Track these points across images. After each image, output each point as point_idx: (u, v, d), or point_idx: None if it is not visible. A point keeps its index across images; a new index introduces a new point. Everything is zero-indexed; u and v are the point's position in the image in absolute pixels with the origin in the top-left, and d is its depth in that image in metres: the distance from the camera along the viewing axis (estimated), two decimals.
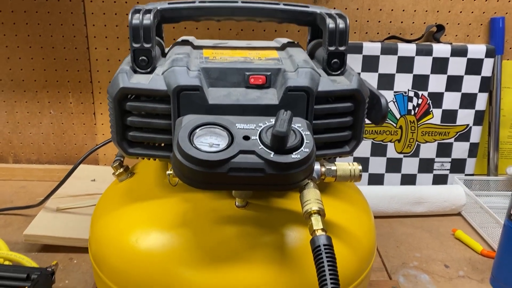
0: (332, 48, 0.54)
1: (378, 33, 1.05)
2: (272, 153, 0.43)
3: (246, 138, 0.45)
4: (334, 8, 1.01)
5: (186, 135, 0.44)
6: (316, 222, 0.43)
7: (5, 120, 1.11)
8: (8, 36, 1.04)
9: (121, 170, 0.60)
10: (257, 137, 0.45)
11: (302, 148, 0.44)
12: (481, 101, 1.05)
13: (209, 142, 0.44)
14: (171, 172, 0.48)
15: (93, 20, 1.03)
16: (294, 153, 0.44)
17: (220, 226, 0.50)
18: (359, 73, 1.02)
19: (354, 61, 1.00)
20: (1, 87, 1.08)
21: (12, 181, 1.12)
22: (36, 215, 0.88)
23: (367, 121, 0.56)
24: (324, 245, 0.41)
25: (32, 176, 1.13)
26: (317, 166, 0.49)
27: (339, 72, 0.55)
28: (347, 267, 0.51)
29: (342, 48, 0.54)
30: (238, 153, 0.43)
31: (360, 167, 0.49)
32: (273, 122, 0.44)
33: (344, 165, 0.49)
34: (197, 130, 0.45)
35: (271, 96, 0.50)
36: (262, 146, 0.44)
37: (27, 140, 1.13)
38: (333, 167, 0.49)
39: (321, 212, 0.44)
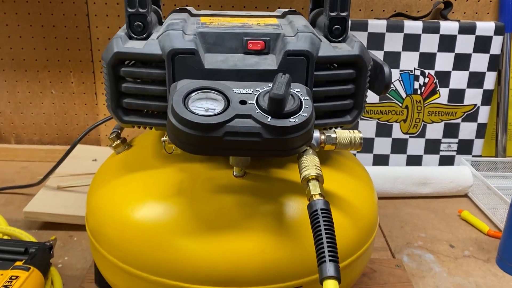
0: (333, 14, 0.52)
1: (383, 10, 1.03)
2: (269, 117, 0.42)
3: (243, 102, 0.43)
4: None
5: (181, 99, 0.43)
6: (314, 188, 0.42)
7: (7, 100, 1.11)
8: (8, 14, 1.03)
9: (118, 141, 0.59)
10: (254, 102, 0.43)
11: (300, 112, 0.43)
12: (490, 80, 1.03)
13: (205, 107, 0.43)
14: (166, 138, 0.47)
15: None
16: (292, 118, 0.42)
17: (217, 195, 0.49)
18: None
19: (359, 39, 0.98)
20: (2, 66, 1.07)
21: (14, 161, 1.12)
22: (36, 194, 0.88)
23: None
24: (321, 209, 0.39)
25: (34, 157, 1.13)
26: (316, 134, 0.47)
27: (341, 38, 0.53)
28: (347, 238, 0.49)
29: (344, 14, 0.52)
30: (234, 117, 0.42)
31: (361, 135, 0.48)
32: (271, 86, 0.42)
33: (344, 132, 0.48)
34: (192, 94, 0.44)
35: (269, 62, 0.48)
36: (259, 110, 0.42)
37: (29, 121, 1.13)
38: (333, 135, 0.48)
39: (319, 178, 0.43)
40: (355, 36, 0.53)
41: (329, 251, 0.37)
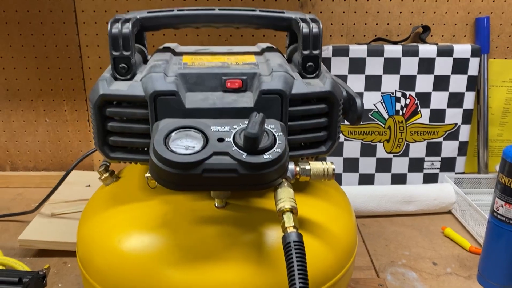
0: (306, 52, 0.55)
1: (364, 35, 1.07)
2: (245, 154, 0.45)
3: (221, 140, 0.46)
4: (321, 12, 1.03)
5: (162, 139, 0.46)
6: (288, 220, 0.45)
7: (2, 129, 1.14)
8: (2, 46, 1.07)
9: (107, 174, 0.62)
10: (231, 139, 0.46)
11: (274, 148, 0.46)
12: (469, 100, 1.07)
13: (185, 145, 0.46)
14: (149, 175, 0.49)
15: (85, 30, 1.05)
16: (266, 154, 0.45)
17: (199, 226, 0.51)
18: (346, 76, 1.03)
19: (341, 64, 1.02)
20: None
21: (10, 188, 1.15)
22: (31, 221, 0.90)
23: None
24: (294, 241, 0.42)
25: (29, 183, 1.15)
26: (291, 166, 0.50)
27: (314, 75, 0.56)
28: (323, 264, 0.52)
29: (316, 52, 0.56)
30: (212, 155, 0.45)
31: (333, 166, 0.51)
32: (246, 124, 0.46)
33: (318, 164, 0.51)
34: (173, 133, 0.47)
35: (246, 99, 0.52)
36: (235, 147, 0.45)
37: (24, 148, 1.16)
38: (307, 166, 0.51)
39: (293, 210, 0.46)
40: (328, 72, 0.57)
41: (300, 282, 0.39)
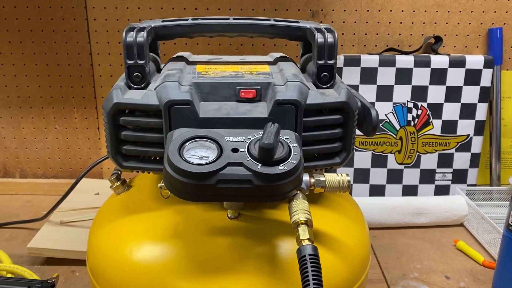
0: (321, 62, 0.55)
1: (376, 45, 1.06)
2: (260, 164, 0.44)
3: (235, 150, 0.46)
4: (332, 22, 1.03)
5: (176, 149, 0.45)
6: (303, 232, 0.44)
7: (12, 136, 1.14)
8: (15, 54, 1.07)
9: (118, 183, 0.62)
10: (246, 150, 0.46)
11: (289, 159, 0.45)
12: (481, 111, 1.06)
13: (199, 155, 0.45)
14: (163, 185, 0.49)
15: (97, 38, 1.06)
16: (281, 165, 0.44)
17: (211, 237, 0.51)
18: (357, 86, 1.03)
19: (352, 74, 1.02)
20: (8, 104, 1.11)
21: (19, 195, 1.15)
22: (40, 229, 0.90)
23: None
24: (309, 255, 0.41)
25: (38, 190, 1.15)
26: (306, 177, 0.50)
27: (328, 85, 0.56)
28: (337, 278, 0.51)
29: (331, 62, 0.55)
30: (226, 165, 0.44)
31: (349, 178, 0.50)
32: (261, 135, 0.45)
33: (333, 176, 0.50)
34: (187, 143, 0.46)
35: (261, 109, 0.51)
36: (250, 158, 0.45)
37: (33, 155, 1.16)
38: (322, 178, 0.50)
39: (308, 223, 0.45)
40: (343, 82, 0.56)
41: None
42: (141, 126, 0.52)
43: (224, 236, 0.51)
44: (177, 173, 0.43)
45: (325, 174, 0.51)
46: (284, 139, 0.47)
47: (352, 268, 0.53)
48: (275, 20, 0.59)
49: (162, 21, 0.58)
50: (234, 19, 0.58)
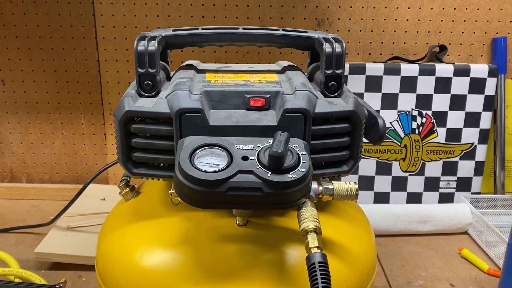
0: (329, 71, 0.56)
1: (381, 54, 1.07)
2: (270, 172, 0.45)
3: (245, 158, 0.46)
4: (337, 31, 1.04)
5: (187, 156, 0.46)
6: (312, 240, 0.44)
7: (19, 141, 1.15)
8: (23, 60, 1.08)
9: (127, 189, 0.62)
10: (255, 158, 0.46)
11: (298, 167, 0.46)
12: (486, 120, 1.06)
13: (209, 163, 0.46)
14: (173, 191, 0.50)
15: (104, 45, 1.07)
16: (290, 173, 0.45)
17: (220, 244, 0.51)
18: (362, 94, 1.03)
19: (357, 82, 1.02)
20: (16, 109, 1.12)
21: (25, 200, 1.16)
22: (47, 234, 0.91)
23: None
24: (318, 262, 0.42)
25: (44, 195, 1.16)
26: (314, 185, 0.50)
27: (336, 94, 0.56)
28: (345, 285, 0.51)
29: (338, 71, 0.56)
30: (236, 173, 0.45)
31: (357, 186, 0.51)
32: (271, 143, 0.46)
33: (341, 184, 0.51)
34: (198, 151, 0.47)
35: (270, 118, 0.52)
36: (260, 166, 0.45)
37: (40, 160, 1.17)
38: (330, 186, 0.50)
39: (317, 230, 0.46)
40: (350, 91, 0.57)
41: None
42: (152, 133, 0.52)
43: (233, 243, 0.51)
44: (188, 180, 0.44)
45: (333, 182, 0.51)
46: (293, 147, 0.48)
47: (360, 275, 0.54)
48: (283, 30, 0.60)
49: (173, 30, 0.59)
50: (243, 28, 0.59)
